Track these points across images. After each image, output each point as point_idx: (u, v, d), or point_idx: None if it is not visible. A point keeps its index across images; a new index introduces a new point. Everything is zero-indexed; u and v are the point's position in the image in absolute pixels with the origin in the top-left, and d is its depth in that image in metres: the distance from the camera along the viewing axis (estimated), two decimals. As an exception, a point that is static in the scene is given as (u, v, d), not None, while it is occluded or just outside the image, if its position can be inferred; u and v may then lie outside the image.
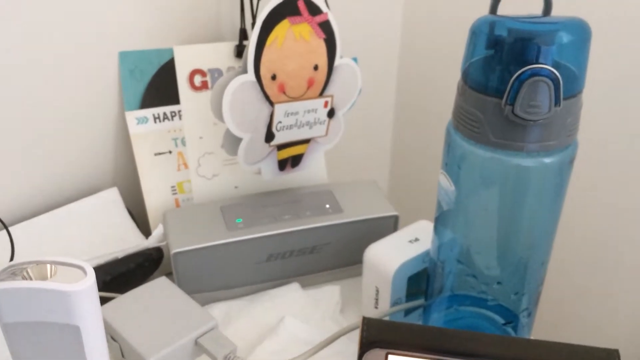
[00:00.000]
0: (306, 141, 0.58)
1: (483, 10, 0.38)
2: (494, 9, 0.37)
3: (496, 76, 0.36)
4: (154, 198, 0.60)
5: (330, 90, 0.55)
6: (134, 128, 0.59)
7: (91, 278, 0.33)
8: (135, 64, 0.58)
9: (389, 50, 0.78)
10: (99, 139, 0.60)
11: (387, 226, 0.57)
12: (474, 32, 0.37)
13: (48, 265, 0.33)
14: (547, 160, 0.37)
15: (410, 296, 0.50)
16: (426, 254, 0.49)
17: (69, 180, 0.59)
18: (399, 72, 0.80)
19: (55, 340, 0.34)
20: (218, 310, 0.53)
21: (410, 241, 0.50)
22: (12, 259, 0.50)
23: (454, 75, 0.40)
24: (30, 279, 0.33)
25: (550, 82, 0.34)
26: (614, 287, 0.62)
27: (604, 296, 0.63)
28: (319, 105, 0.56)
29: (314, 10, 0.52)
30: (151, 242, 0.55)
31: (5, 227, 0.51)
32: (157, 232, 0.55)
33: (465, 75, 0.38)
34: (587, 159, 0.56)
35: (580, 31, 0.35)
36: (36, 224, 0.55)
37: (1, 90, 0.52)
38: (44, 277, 0.33)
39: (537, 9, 0.37)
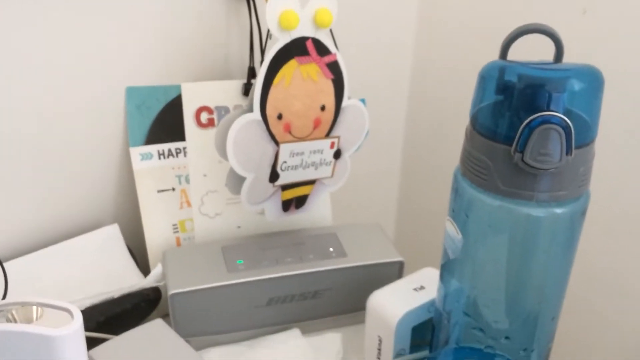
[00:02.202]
0: (311, 182, 0.57)
1: (493, 55, 0.37)
2: (504, 54, 0.36)
3: (505, 122, 0.35)
4: (155, 236, 0.59)
5: (337, 131, 0.55)
6: (137, 164, 0.58)
7: (78, 322, 0.31)
8: (142, 99, 0.58)
9: (398, 93, 0.77)
10: (101, 174, 0.59)
11: (391, 272, 0.55)
12: (483, 77, 0.36)
13: (34, 307, 0.32)
14: (559, 210, 0.36)
15: (414, 347, 0.48)
16: (432, 303, 0.47)
17: (69, 216, 0.59)
18: (407, 115, 0.79)
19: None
20: (215, 354, 0.52)
21: (416, 289, 0.48)
22: (5, 296, 0.49)
23: (463, 120, 0.39)
24: (15, 321, 0.32)
25: (561, 130, 0.33)
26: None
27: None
28: (325, 146, 0.55)
29: (323, 51, 0.51)
30: (149, 281, 0.54)
31: (0, 263, 0.50)
32: (155, 271, 0.54)
33: (474, 120, 0.37)
34: (599, 211, 0.54)
35: (593, 79, 0.34)
36: (33, 260, 0.54)
37: (4, 124, 0.52)
38: (29, 320, 0.32)
39: (547, 55, 0.36)
